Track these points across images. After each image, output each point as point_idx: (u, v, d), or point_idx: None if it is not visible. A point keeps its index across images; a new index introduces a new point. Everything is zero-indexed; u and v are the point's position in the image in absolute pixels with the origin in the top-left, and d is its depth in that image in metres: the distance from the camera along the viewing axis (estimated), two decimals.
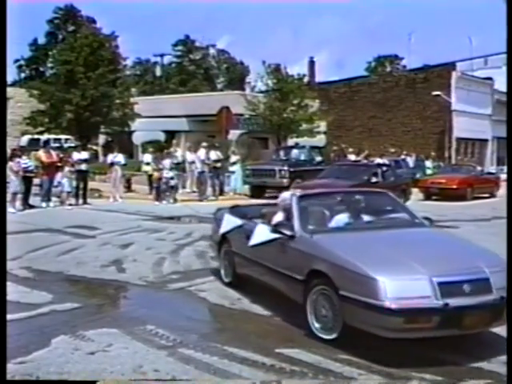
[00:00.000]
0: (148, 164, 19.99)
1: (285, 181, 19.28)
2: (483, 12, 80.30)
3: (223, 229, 7.50)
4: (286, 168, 19.80)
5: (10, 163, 15.12)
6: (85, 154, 17.83)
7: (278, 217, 6.44)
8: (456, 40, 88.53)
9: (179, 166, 19.54)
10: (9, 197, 14.59)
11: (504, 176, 25.23)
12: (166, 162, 18.55)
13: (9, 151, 16.61)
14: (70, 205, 16.38)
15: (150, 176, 19.28)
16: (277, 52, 79.86)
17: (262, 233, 6.47)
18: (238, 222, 7.28)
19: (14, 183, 14.94)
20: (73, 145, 24.90)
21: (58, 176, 16.51)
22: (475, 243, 6.15)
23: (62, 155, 17.63)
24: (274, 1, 65.83)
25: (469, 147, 36.64)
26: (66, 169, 16.69)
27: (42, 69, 51.59)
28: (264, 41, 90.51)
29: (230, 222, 7.42)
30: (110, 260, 9.00)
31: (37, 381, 4.43)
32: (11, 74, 52.71)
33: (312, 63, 41.64)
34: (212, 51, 63.80)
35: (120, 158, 18.91)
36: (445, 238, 6.40)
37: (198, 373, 4.58)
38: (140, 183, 20.91)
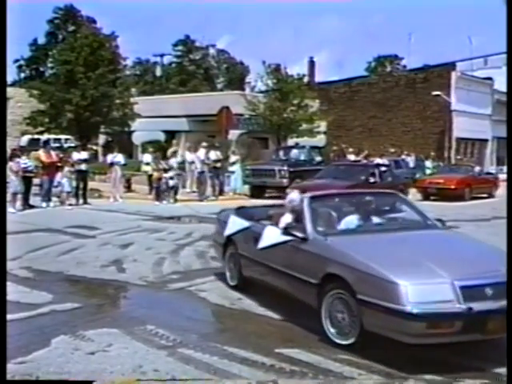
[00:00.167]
0: (148, 164, 19.99)
1: (285, 181, 19.27)
2: (483, 12, 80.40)
3: (229, 231, 7.33)
4: (285, 168, 19.80)
5: (10, 163, 15.13)
6: (85, 154, 17.83)
7: (286, 218, 6.31)
8: (456, 40, 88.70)
9: (179, 166, 19.53)
10: (9, 197, 14.60)
11: (504, 176, 25.25)
12: (173, 162, 18.56)
13: (9, 151, 16.61)
14: (70, 205, 16.38)
15: (150, 176, 19.27)
16: (277, 52, 79.90)
17: (271, 235, 6.33)
18: (244, 223, 7.12)
19: (13, 183, 14.94)
20: (73, 145, 24.91)
21: (58, 176, 16.51)
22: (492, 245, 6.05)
23: (61, 155, 17.65)
24: (274, 1, 65.89)
25: (469, 147, 36.63)
26: (66, 169, 16.69)
27: (42, 69, 51.63)
28: (264, 41, 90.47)
29: (235, 223, 7.27)
30: (110, 260, 9.00)
31: (37, 381, 4.43)
32: (11, 74, 52.85)
33: (312, 63, 41.65)
34: (212, 51, 63.85)
35: (120, 157, 18.91)
36: (461, 240, 6.29)
37: (197, 373, 4.58)
38: (140, 183, 20.91)
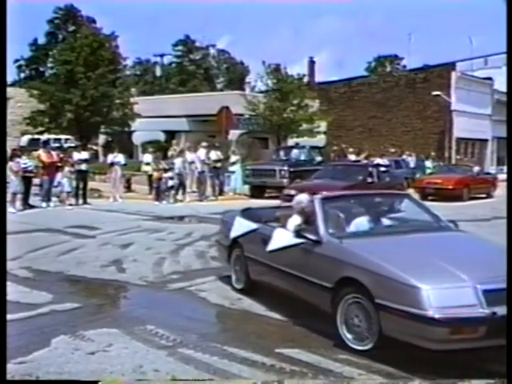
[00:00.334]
0: (148, 164, 19.97)
1: (285, 181, 19.24)
2: (483, 12, 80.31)
3: (235, 232, 7.15)
4: (285, 168, 19.78)
5: (10, 163, 15.13)
6: (85, 154, 17.82)
7: (295, 220, 6.19)
8: (456, 40, 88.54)
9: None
10: (9, 197, 14.60)
11: (504, 176, 25.23)
12: (178, 161, 18.57)
13: (9, 151, 16.61)
14: (70, 205, 16.38)
15: (150, 176, 19.27)
16: (277, 52, 79.95)
17: (281, 237, 6.17)
18: (251, 225, 6.93)
19: (13, 183, 14.94)
20: (73, 145, 24.87)
21: (58, 176, 16.52)
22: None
23: (62, 155, 17.64)
24: (274, 1, 65.84)
25: (469, 147, 36.62)
26: (66, 169, 16.69)
27: (42, 69, 51.57)
28: (264, 41, 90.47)
29: (242, 225, 7.09)
30: (110, 260, 9.00)
31: (37, 381, 4.43)
32: (11, 74, 52.84)
33: (312, 63, 41.61)
34: (212, 51, 63.84)
35: (120, 157, 18.91)
36: (477, 242, 6.16)
37: (197, 373, 4.57)
38: (140, 183, 20.91)
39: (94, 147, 29.64)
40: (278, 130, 27.76)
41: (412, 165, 25.94)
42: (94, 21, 47.09)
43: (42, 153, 16.44)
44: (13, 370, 4.45)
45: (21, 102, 29.78)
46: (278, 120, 27.23)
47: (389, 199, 7.01)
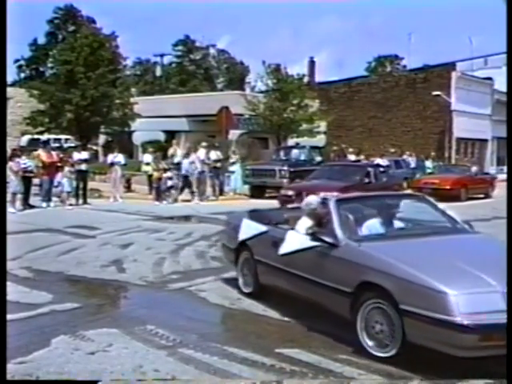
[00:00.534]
0: (148, 164, 19.98)
1: (285, 181, 19.24)
2: (483, 12, 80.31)
3: (244, 235, 6.95)
4: (285, 168, 19.79)
5: (10, 163, 15.13)
6: (85, 154, 17.83)
7: (306, 222, 6.07)
8: (456, 40, 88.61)
9: (179, 166, 19.51)
10: (9, 197, 14.60)
11: (504, 176, 25.20)
12: (185, 162, 18.56)
13: (9, 151, 16.60)
14: (70, 205, 16.38)
15: (150, 176, 19.27)
16: (277, 52, 79.97)
17: (295, 240, 5.99)
18: (261, 228, 6.75)
19: (13, 183, 14.94)
20: (73, 145, 24.91)
21: (58, 176, 16.52)
22: None
23: (62, 155, 17.65)
24: (274, 1, 65.83)
25: (469, 147, 36.61)
26: (66, 169, 16.70)
27: (41, 69, 51.58)
28: (264, 41, 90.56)
29: (250, 227, 6.91)
30: (110, 260, 9.00)
31: (37, 381, 4.43)
32: (11, 74, 52.85)
33: (312, 63, 41.62)
34: (212, 51, 63.83)
35: (120, 157, 18.92)
36: (497, 245, 5.94)
37: (197, 373, 4.58)
38: (140, 183, 20.91)
39: (94, 147, 29.66)
40: (278, 130, 27.74)
41: (413, 165, 25.93)
42: (93, 21, 47.08)
43: (41, 153, 16.45)
44: (13, 370, 4.45)
45: (21, 102, 29.77)
46: (278, 120, 27.22)
47: (404, 201, 6.85)
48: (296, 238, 6.00)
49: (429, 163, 27.53)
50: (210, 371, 4.59)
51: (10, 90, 25.89)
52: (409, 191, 18.97)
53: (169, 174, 18.20)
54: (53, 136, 27.61)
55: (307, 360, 4.83)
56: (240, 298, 6.82)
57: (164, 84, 50.58)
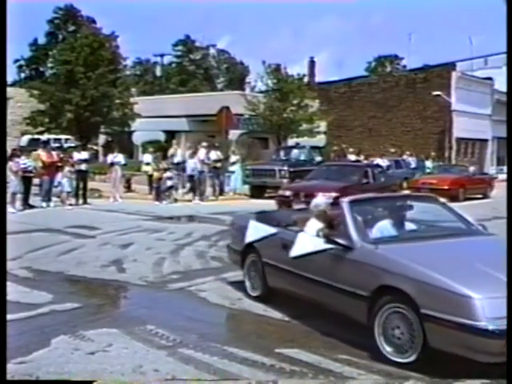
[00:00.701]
0: (148, 164, 19.98)
1: (285, 181, 19.23)
2: (483, 12, 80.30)
3: (251, 237, 6.81)
4: (286, 168, 19.78)
5: (10, 163, 15.12)
6: (85, 154, 17.82)
7: (315, 224, 6.00)
8: (456, 40, 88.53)
9: (179, 166, 19.52)
10: (9, 197, 14.59)
11: (504, 176, 25.18)
12: (191, 163, 18.54)
13: (9, 151, 16.60)
14: (70, 205, 16.37)
15: (150, 176, 19.27)
16: (277, 52, 79.94)
17: (306, 242, 5.87)
18: (269, 229, 6.61)
19: (13, 183, 14.94)
20: (73, 145, 24.90)
21: (58, 176, 16.52)
22: None
23: (62, 155, 17.65)
24: (274, 1, 65.84)
25: (469, 147, 36.62)
26: (66, 169, 16.69)
27: (41, 69, 51.57)
28: (264, 41, 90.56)
29: (258, 229, 6.77)
30: (110, 260, 9.00)
31: (37, 381, 4.43)
32: (11, 74, 52.84)
33: (312, 63, 41.63)
34: (212, 51, 63.82)
35: (120, 157, 18.92)
36: None
37: (197, 373, 4.57)
38: (140, 183, 20.91)
39: (94, 147, 29.62)
40: (278, 130, 27.74)
41: (413, 165, 25.93)
42: (93, 21, 47.12)
43: (41, 153, 16.44)
44: (13, 370, 4.45)
45: (21, 102, 29.76)
46: (278, 120, 27.22)
47: (417, 202, 6.73)
48: (308, 241, 5.89)
49: (429, 163, 27.53)
50: (209, 371, 4.59)
51: (9, 90, 25.87)
52: (408, 191, 19.05)
53: (169, 173, 18.20)
54: (53, 136, 27.59)
55: (307, 360, 4.83)
56: (240, 298, 6.82)
57: (164, 84, 50.59)
